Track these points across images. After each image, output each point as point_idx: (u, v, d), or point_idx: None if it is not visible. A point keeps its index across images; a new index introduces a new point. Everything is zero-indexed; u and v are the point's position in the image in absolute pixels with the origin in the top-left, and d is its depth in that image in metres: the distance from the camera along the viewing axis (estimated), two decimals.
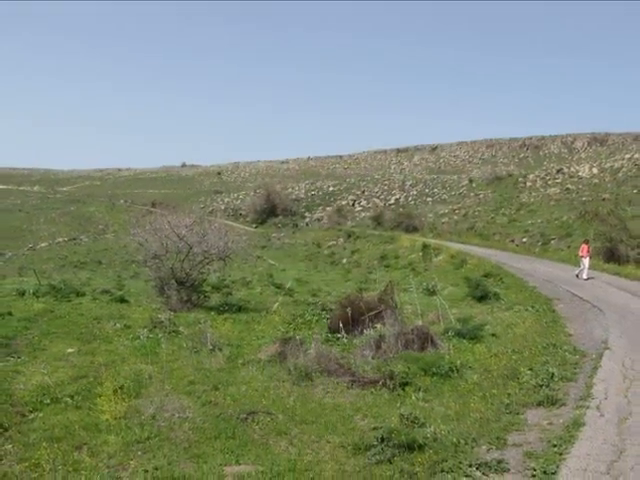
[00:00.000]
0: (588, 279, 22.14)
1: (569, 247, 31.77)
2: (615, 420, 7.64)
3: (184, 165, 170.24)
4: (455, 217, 52.56)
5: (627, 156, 58.50)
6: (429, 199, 73.16)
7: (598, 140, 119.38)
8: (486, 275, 23.30)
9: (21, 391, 9.49)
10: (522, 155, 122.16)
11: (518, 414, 8.14)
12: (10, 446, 7.36)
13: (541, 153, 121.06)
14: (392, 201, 75.29)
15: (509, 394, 9.01)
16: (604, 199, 39.75)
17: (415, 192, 79.10)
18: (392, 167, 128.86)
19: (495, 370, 10.35)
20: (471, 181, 75.31)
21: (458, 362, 10.56)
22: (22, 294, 21.71)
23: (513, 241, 37.47)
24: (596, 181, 48.60)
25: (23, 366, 10.99)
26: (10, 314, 15.87)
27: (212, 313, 17.37)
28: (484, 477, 6.19)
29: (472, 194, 63.83)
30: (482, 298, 18.56)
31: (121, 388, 9.26)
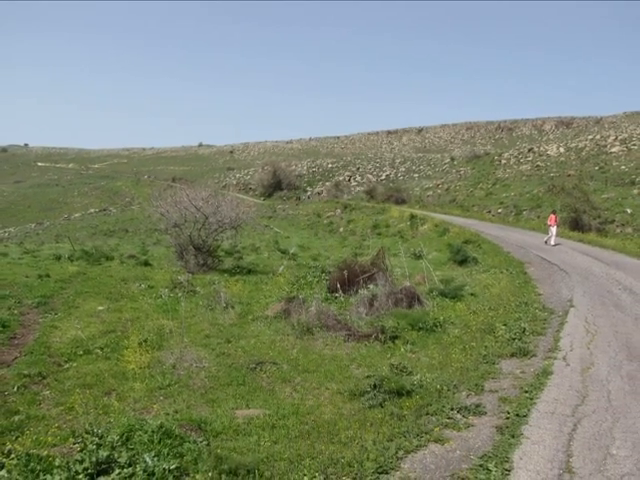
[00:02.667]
0: (555, 245, 21.99)
1: (539, 217, 31.52)
2: (579, 369, 7.58)
3: (201, 145, 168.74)
4: (439, 191, 52.04)
5: (589, 137, 57.71)
6: (416, 175, 72.45)
7: (564, 123, 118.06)
8: (466, 242, 23.13)
9: (57, 344, 9.41)
10: (498, 136, 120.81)
11: (494, 364, 8.07)
12: (48, 392, 7.30)
13: (514, 134, 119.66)
14: (383, 177, 74.59)
15: (486, 346, 8.93)
16: (569, 175, 39.29)
17: (404, 169, 78.31)
18: (383, 147, 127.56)
19: (474, 325, 10.26)
20: (453, 159, 74.47)
21: (441, 318, 10.48)
22: (58, 258, 21.62)
23: (490, 212, 37.13)
24: (562, 159, 48.02)
25: (59, 322, 10.90)
26: (48, 276, 15.76)
27: (225, 275, 17.27)
28: (464, 419, 6.12)
29: (454, 171, 63.12)
30: (462, 262, 18.45)
31: (145, 341, 9.20)
